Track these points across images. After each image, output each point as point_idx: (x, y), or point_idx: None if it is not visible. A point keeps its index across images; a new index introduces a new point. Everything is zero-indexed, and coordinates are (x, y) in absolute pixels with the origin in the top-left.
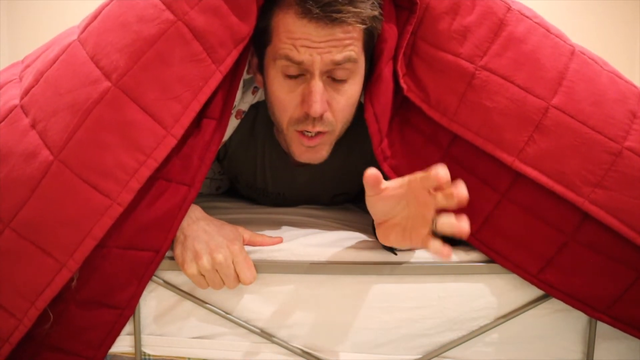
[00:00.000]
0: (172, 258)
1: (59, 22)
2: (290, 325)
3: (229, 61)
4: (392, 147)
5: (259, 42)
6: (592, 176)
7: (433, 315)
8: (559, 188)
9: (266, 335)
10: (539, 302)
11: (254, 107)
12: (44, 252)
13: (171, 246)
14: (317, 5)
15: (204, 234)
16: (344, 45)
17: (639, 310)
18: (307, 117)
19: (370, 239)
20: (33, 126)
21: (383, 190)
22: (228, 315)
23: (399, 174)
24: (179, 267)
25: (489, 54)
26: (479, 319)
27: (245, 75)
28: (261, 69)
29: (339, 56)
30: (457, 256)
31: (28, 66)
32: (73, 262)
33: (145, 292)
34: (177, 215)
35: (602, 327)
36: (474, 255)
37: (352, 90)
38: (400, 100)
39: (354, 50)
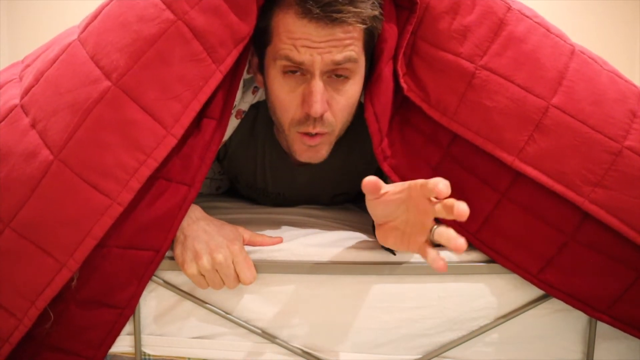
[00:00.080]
0: (172, 258)
1: (59, 22)
2: (291, 325)
3: (229, 61)
4: (392, 146)
5: (259, 41)
6: (592, 176)
7: (433, 315)
8: (559, 187)
9: (266, 335)
10: (539, 302)
11: (254, 106)
12: (44, 251)
13: (171, 246)
14: (318, 5)
15: (204, 234)
16: (344, 45)
17: (639, 310)
18: (308, 118)
19: (370, 239)
20: (33, 126)
21: (383, 194)
22: (228, 315)
23: (399, 173)
24: (179, 267)
25: (489, 53)
26: (479, 319)
27: (245, 75)
28: (261, 68)
29: (339, 56)
30: (457, 256)
31: (28, 66)
32: (73, 261)
33: (145, 292)
34: (177, 215)
35: (602, 327)
36: (474, 255)
37: (353, 90)
38: (400, 100)
39: (354, 50)
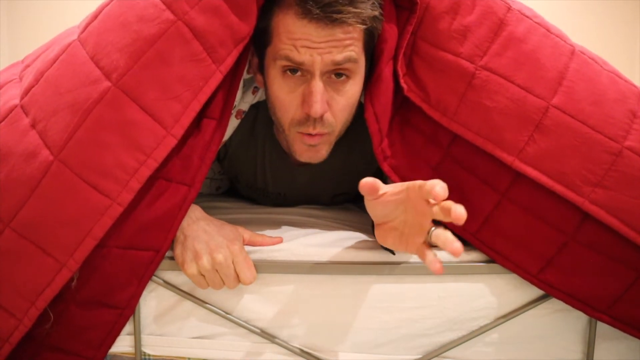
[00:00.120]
0: (172, 258)
1: (59, 22)
2: (290, 325)
3: (229, 61)
4: (393, 146)
5: (259, 42)
6: (592, 176)
7: (433, 315)
8: (559, 188)
9: (266, 335)
10: (539, 302)
11: (254, 107)
12: (44, 252)
13: (171, 246)
14: (318, 6)
15: (204, 234)
16: (344, 45)
17: (639, 310)
18: (308, 119)
19: (370, 239)
20: (33, 126)
21: (382, 195)
22: (228, 315)
23: (399, 173)
24: (179, 267)
25: (489, 53)
26: (479, 319)
27: (245, 75)
28: (261, 69)
29: (339, 56)
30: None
31: (28, 66)
32: (73, 262)
33: (145, 292)
34: (177, 215)
35: (602, 327)
36: (474, 255)
37: (353, 90)
38: (400, 100)
39: (355, 50)
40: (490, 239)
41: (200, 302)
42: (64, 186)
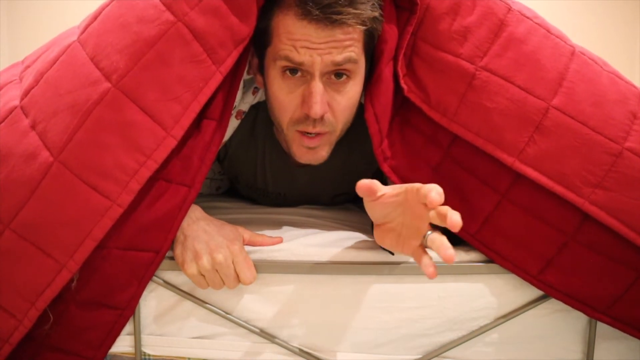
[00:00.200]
0: (172, 258)
1: (59, 22)
2: (290, 325)
3: (229, 62)
4: (393, 147)
5: (259, 42)
6: (593, 177)
7: (433, 315)
8: (559, 189)
9: (266, 335)
10: (539, 302)
11: (254, 107)
12: (44, 253)
13: (171, 246)
14: (317, 7)
15: (204, 234)
16: (344, 46)
17: (639, 311)
18: (307, 118)
19: (369, 239)
20: (33, 127)
21: (380, 196)
22: (228, 315)
23: (399, 174)
24: (179, 267)
25: (489, 54)
26: (479, 319)
27: (245, 76)
28: (261, 69)
29: (339, 57)
30: (457, 256)
31: (28, 67)
32: (73, 263)
33: (145, 292)
34: (177, 216)
35: (602, 327)
36: (473, 255)
37: (353, 91)
38: (400, 101)
39: (354, 51)
40: (490, 239)
41: (200, 302)
42: (64, 187)
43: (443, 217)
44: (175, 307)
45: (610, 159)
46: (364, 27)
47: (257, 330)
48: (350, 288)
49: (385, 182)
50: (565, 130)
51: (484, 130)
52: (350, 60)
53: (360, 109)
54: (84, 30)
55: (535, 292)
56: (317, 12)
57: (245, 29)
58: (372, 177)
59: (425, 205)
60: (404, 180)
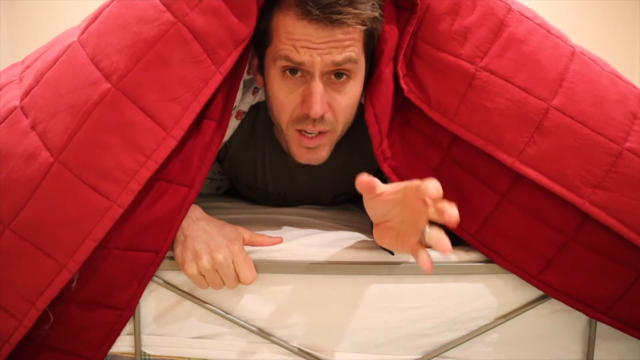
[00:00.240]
0: (172, 258)
1: (59, 22)
2: (290, 325)
3: (229, 62)
4: (393, 147)
5: (259, 42)
6: (593, 177)
7: (433, 315)
8: (559, 189)
9: (266, 335)
10: (539, 302)
11: (254, 107)
12: (44, 253)
13: (171, 246)
14: (317, 7)
15: (204, 234)
16: (344, 46)
17: (639, 311)
18: (307, 117)
19: (369, 239)
20: (33, 127)
21: (380, 194)
22: (228, 315)
23: (400, 174)
24: (179, 267)
25: (490, 54)
26: (479, 319)
27: (245, 76)
28: (261, 69)
29: (339, 57)
30: (457, 256)
31: (28, 67)
32: (73, 263)
33: (145, 292)
34: (177, 216)
35: (602, 327)
36: (473, 255)
37: (353, 90)
38: (400, 101)
39: (354, 51)
40: (490, 239)
41: (200, 302)
42: (64, 188)
43: (441, 212)
44: (175, 307)
45: (610, 159)
46: (364, 27)
47: (257, 330)
48: (350, 288)
49: (385, 182)
50: (565, 130)
51: (484, 130)
52: (350, 60)
53: (361, 109)
54: (84, 31)
55: (535, 292)
56: (317, 12)
57: (245, 29)
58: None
59: (424, 202)
60: (403, 180)
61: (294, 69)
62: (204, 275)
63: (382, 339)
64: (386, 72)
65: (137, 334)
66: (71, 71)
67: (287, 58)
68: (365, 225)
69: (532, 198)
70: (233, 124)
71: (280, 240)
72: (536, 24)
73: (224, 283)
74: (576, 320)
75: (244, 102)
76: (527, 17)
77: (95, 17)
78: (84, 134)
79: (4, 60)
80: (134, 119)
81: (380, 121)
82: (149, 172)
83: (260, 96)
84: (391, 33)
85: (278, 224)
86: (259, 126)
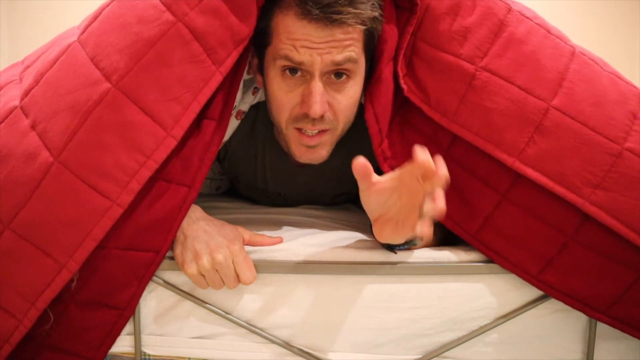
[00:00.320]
0: (172, 258)
1: (59, 22)
2: (290, 325)
3: (229, 62)
4: (393, 147)
5: (259, 42)
6: (593, 177)
7: (433, 315)
8: (559, 189)
9: (266, 335)
10: (539, 302)
11: (254, 107)
12: (44, 253)
13: (171, 246)
14: (317, 7)
15: (204, 234)
16: (344, 46)
17: (639, 311)
18: (306, 117)
19: (369, 239)
20: (33, 127)
21: (375, 183)
22: (228, 315)
23: None
24: (179, 267)
25: (490, 54)
26: (479, 319)
27: (245, 76)
28: (261, 69)
29: (339, 57)
30: (457, 256)
31: (28, 67)
32: (73, 263)
33: (145, 292)
34: (177, 216)
35: (602, 327)
36: (473, 255)
37: (353, 90)
38: (400, 101)
39: (354, 50)
40: (490, 239)
41: (200, 302)
42: (64, 187)
43: (435, 178)
44: (175, 307)
45: (610, 159)
46: (364, 27)
47: (257, 330)
48: (350, 288)
49: None
50: (565, 130)
51: (484, 130)
52: (350, 60)
53: (361, 109)
54: (84, 31)
55: (535, 292)
56: (317, 12)
57: (245, 29)
58: None
59: (419, 181)
60: None
61: (293, 69)
62: (204, 275)
63: (382, 339)
64: (386, 72)
65: (137, 334)
66: (71, 71)
67: (287, 58)
68: (365, 225)
69: (532, 198)
70: (233, 123)
71: (280, 240)
72: (536, 24)
73: (224, 283)
74: (576, 320)
75: (243, 102)
76: (527, 17)
77: (95, 17)
78: (84, 133)
79: (4, 60)
80: (134, 119)
81: (380, 121)
82: (149, 171)
83: (260, 96)
84: (391, 33)
85: (278, 224)
86: (259, 126)
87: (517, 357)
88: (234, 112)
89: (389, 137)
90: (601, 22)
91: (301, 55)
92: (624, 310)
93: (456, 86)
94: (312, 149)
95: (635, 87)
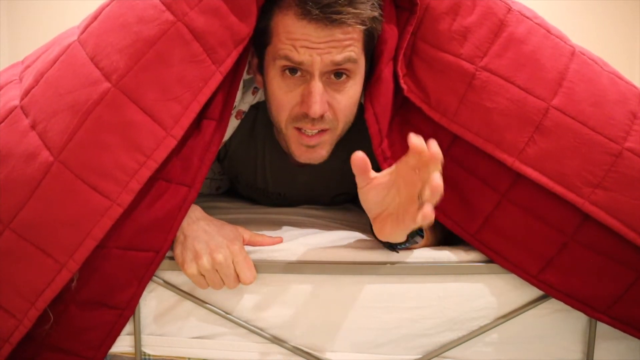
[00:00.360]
0: (172, 258)
1: (59, 22)
2: (290, 325)
3: (229, 62)
4: (392, 147)
5: (259, 42)
6: (593, 177)
7: (433, 315)
8: (559, 189)
9: (266, 334)
10: (539, 302)
11: (254, 107)
12: (44, 252)
13: (171, 246)
14: (317, 7)
15: (204, 234)
16: (343, 46)
17: (639, 311)
18: (306, 116)
19: (369, 239)
20: (33, 127)
21: (373, 179)
22: (228, 315)
23: None
24: (179, 267)
25: (489, 54)
26: (479, 319)
27: (245, 76)
28: (261, 69)
29: (338, 57)
30: (457, 256)
31: (28, 67)
32: (73, 262)
33: (145, 292)
34: (177, 216)
35: (602, 327)
36: (473, 255)
37: (353, 90)
38: (400, 101)
39: (354, 50)
40: (490, 239)
41: (200, 302)
42: (64, 187)
43: (431, 159)
44: (175, 307)
45: (610, 159)
46: (364, 27)
47: (257, 330)
48: (350, 288)
49: None
50: (565, 130)
51: (483, 130)
52: (349, 60)
53: (360, 109)
54: (84, 30)
55: (535, 292)
56: (317, 12)
57: (245, 29)
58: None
59: (415, 172)
60: None
61: (293, 69)
62: (204, 275)
63: (382, 339)
64: (386, 71)
65: (137, 334)
66: (71, 71)
67: (286, 58)
68: (365, 225)
69: (532, 198)
70: (233, 123)
71: (280, 240)
72: (536, 23)
73: (224, 283)
74: (576, 320)
75: (243, 101)
76: (527, 17)
77: (95, 16)
78: (84, 133)
79: (4, 60)
80: (134, 119)
81: (380, 121)
82: (149, 171)
83: (260, 96)
84: (391, 33)
85: (278, 224)
86: (259, 126)
87: (517, 357)
88: (233, 112)
89: (389, 137)
90: (601, 22)
91: (301, 55)
92: (624, 310)
93: (456, 86)
94: (311, 149)
95: (635, 87)
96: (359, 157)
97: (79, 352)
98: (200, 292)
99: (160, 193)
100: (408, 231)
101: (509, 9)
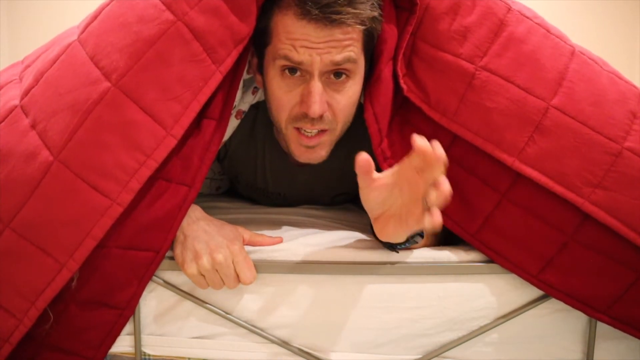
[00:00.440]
0: (172, 258)
1: (59, 22)
2: (290, 325)
3: (229, 61)
4: (392, 147)
5: (259, 42)
6: (592, 177)
7: (433, 315)
8: (559, 189)
9: (266, 334)
10: (539, 302)
11: (254, 107)
12: (44, 252)
13: (171, 246)
14: (317, 6)
15: (204, 234)
16: (343, 46)
17: (639, 310)
18: (305, 116)
19: (369, 239)
20: (33, 126)
21: (375, 180)
22: (228, 315)
23: None
24: (179, 267)
25: (489, 54)
26: (479, 319)
27: (245, 76)
28: (261, 69)
29: (338, 57)
30: (457, 256)
31: (28, 66)
32: (73, 262)
33: (145, 292)
34: (177, 216)
35: (602, 327)
36: (473, 255)
37: (352, 90)
38: (400, 101)
39: (354, 50)
40: (490, 239)
41: (200, 302)
42: (64, 187)
43: (434, 160)
44: (175, 307)
45: (610, 158)
46: (363, 27)
47: (257, 330)
48: (350, 288)
49: None
50: (565, 130)
51: (483, 130)
52: (349, 60)
53: (360, 109)
54: (84, 30)
55: (536, 292)
56: (317, 12)
57: (245, 29)
58: None
59: (418, 173)
60: None
61: (293, 69)
62: (204, 275)
63: (382, 339)
64: (385, 71)
65: (137, 334)
66: (71, 70)
67: (286, 57)
68: (365, 225)
69: (532, 197)
70: (233, 123)
71: (280, 240)
72: (536, 23)
73: (224, 283)
74: (576, 320)
75: (243, 101)
76: (527, 17)
77: (95, 16)
78: (84, 133)
79: (4, 60)
80: (134, 118)
81: (380, 121)
82: (149, 171)
83: (260, 95)
84: (390, 33)
85: (278, 224)
86: (259, 126)
87: (517, 357)
88: (233, 112)
89: (389, 136)
90: (601, 22)
91: (300, 55)
92: (624, 310)
93: (456, 86)
94: (311, 149)
95: (635, 86)
96: (363, 159)
97: (79, 351)
98: (200, 292)
99: (160, 193)
100: (410, 232)
101: (509, 9)
